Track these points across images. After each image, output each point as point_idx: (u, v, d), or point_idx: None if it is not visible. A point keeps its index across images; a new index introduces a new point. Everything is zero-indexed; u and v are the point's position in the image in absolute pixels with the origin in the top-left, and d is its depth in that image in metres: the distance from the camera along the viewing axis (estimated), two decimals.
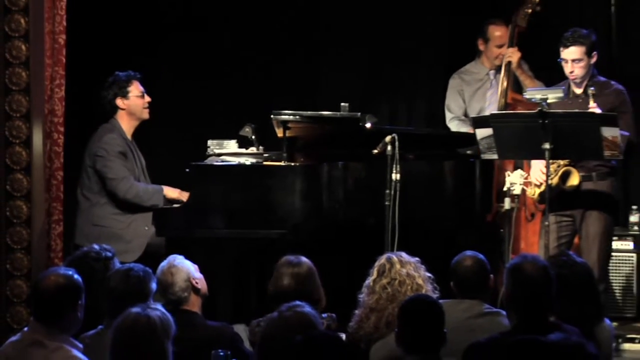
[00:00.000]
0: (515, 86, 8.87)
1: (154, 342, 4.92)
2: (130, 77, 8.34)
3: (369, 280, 6.32)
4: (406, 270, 6.28)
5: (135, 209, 8.18)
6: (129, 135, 8.32)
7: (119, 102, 8.29)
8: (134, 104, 8.33)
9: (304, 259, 6.34)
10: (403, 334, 5.15)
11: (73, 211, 8.24)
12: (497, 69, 9.07)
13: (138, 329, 4.92)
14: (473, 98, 9.16)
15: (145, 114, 8.39)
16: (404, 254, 6.41)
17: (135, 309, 5.02)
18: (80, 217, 8.24)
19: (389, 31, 9.81)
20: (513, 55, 8.85)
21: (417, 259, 6.38)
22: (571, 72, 8.00)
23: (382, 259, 6.37)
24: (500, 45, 9.07)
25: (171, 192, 8.27)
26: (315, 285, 6.24)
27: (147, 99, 8.39)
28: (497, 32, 9.11)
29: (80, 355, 5.41)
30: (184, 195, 8.21)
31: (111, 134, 8.23)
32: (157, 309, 5.07)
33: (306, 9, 9.82)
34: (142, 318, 4.93)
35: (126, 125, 8.31)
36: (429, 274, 6.34)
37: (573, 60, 7.97)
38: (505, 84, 8.82)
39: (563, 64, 8.00)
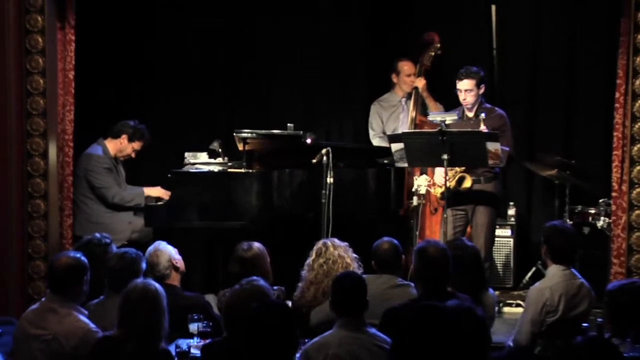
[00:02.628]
0: (422, 109, 8.91)
1: (161, 305, 4.97)
2: (145, 137, 8.42)
3: (309, 260, 6.35)
4: (338, 252, 6.30)
5: (119, 208, 8.18)
6: (112, 155, 8.32)
7: (123, 138, 8.35)
8: (126, 150, 8.42)
9: (255, 244, 6.35)
10: (335, 301, 5.16)
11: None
12: (408, 97, 9.07)
13: (149, 294, 4.96)
14: (389, 119, 9.14)
15: (122, 158, 8.45)
16: (336, 240, 6.44)
17: (139, 281, 5.06)
18: (80, 214, 8.21)
19: (326, 70, 9.80)
20: (419, 82, 8.88)
21: (346, 243, 6.41)
22: (464, 100, 8.03)
23: (319, 244, 6.40)
24: (409, 75, 9.06)
25: (153, 192, 8.25)
26: (262, 266, 6.23)
27: (133, 155, 8.47)
28: (406, 66, 9.09)
29: (85, 319, 5.40)
30: (164, 193, 8.20)
31: (100, 153, 8.28)
32: (154, 281, 5.10)
33: (262, 53, 9.81)
34: (151, 286, 4.99)
35: (111, 150, 8.34)
36: (355, 255, 6.37)
37: (465, 90, 8.00)
38: (414, 110, 8.85)
39: (458, 93, 8.03)
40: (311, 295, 6.19)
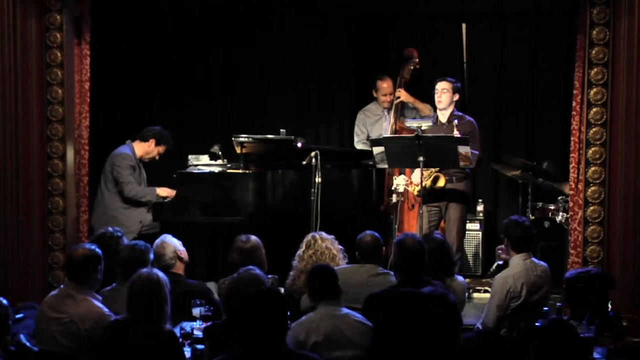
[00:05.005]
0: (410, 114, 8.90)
1: (162, 291, 4.98)
2: (169, 142, 8.33)
3: (300, 251, 6.35)
4: (325, 244, 6.31)
5: (134, 204, 8.12)
6: (138, 156, 8.28)
7: (151, 142, 8.26)
8: (152, 152, 8.30)
9: (252, 237, 6.33)
10: (312, 291, 5.22)
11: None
12: (389, 107, 9.05)
13: (152, 282, 4.97)
14: (373, 127, 9.10)
15: (146, 160, 8.35)
16: (323, 233, 6.44)
17: (143, 271, 5.07)
18: (98, 206, 8.16)
19: (314, 81, 9.80)
20: (401, 94, 8.86)
21: (332, 236, 6.42)
22: (439, 100, 8.05)
23: (309, 236, 6.41)
24: (385, 94, 8.99)
25: (163, 192, 8.22)
26: (258, 256, 6.22)
27: (157, 158, 8.38)
28: (384, 85, 9.01)
29: (99, 304, 5.40)
30: (170, 192, 8.18)
31: (127, 152, 8.19)
32: (159, 271, 5.10)
33: (257, 67, 9.80)
34: (154, 275, 5.01)
35: (138, 151, 8.25)
36: (341, 247, 6.37)
37: (442, 89, 8.02)
38: (394, 119, 8.84)
39: (435, 94, 8.06)
40: (301, 283, 6.18)
